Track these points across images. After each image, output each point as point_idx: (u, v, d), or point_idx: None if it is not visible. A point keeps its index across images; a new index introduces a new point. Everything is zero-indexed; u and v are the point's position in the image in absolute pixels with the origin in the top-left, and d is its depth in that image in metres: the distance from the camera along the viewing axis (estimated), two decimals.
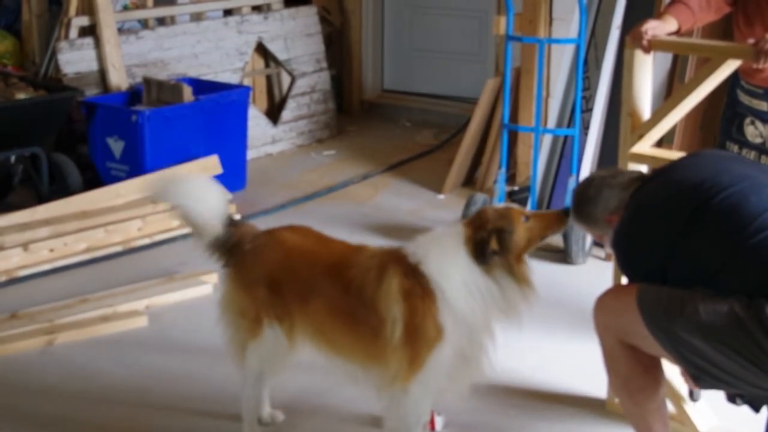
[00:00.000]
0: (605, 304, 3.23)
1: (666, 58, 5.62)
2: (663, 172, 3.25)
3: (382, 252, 3.46)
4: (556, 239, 5.62)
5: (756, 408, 3.09)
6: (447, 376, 3.36)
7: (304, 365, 4.20)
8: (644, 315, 3.01)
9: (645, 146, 3.76)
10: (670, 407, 3.47)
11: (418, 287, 3.28)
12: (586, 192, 3.32)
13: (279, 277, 3.51)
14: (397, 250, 3.43)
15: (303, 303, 3.48)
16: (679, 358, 3.00)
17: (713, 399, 3.54)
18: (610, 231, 3.23)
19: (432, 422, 3.78)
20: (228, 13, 7.58)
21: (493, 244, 3.28)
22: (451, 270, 3.29)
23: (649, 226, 3.09)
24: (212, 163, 6.25)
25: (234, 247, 3.59)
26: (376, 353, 3.35)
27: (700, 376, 2.98)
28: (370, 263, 3.38)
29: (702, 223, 2.96)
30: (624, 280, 3.77)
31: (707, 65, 3.61)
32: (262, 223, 6.00)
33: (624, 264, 3.19)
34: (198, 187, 3.62)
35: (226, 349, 3.69)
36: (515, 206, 3.45)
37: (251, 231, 3.67)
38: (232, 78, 7.31)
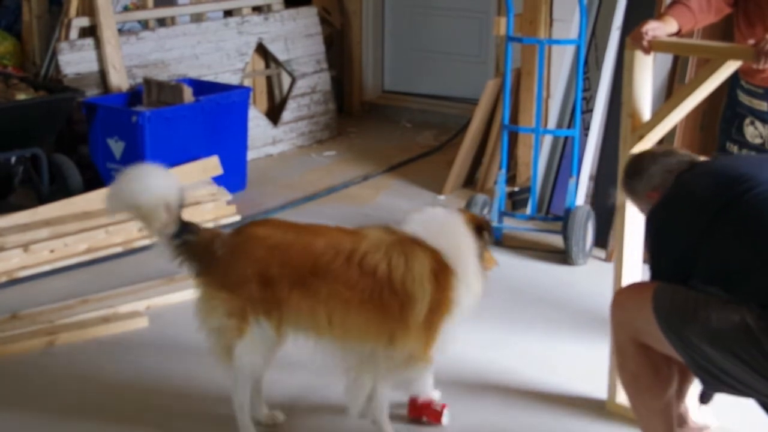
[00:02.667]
0: (621, 301, 3.24)
1: (666, 59, 5.62)
2: (710, 161, 3.28)
3: (391, 234, 3.59)
4: (556, 240, 5.63)
5: None
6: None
7: (303, 366, 4.21)
8: (658, 316, 3.00)
9: (645, 147, 3.76)
10: None
11: (441, 265, 3.50)
12: (635, 165, 3.41)
13: (270, 272, 3.50)
14: (401, 231, 3.60)
15: (303, 294, 3.50)
16: (690, 362, 3.00)
17: (714, 399, 3.53)
18: (649, 207, 3.27)
19: (439, 415, 3.80)
20: (228, 14, 7.58)
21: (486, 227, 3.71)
22: (463, 248, 3.57)
23: (681, 213, 3.09)
24: (213, 164, 6.25)
25: (205, 252, 3.57)
26: (399, 331, 3.49)
27: (709, 380, 2.98)
28: (390, 247, 3.52)
29: (731, 218, 2.95)
30: (623, 281, 3.79)
31: (707, 66, 3.60)
32: None
33: (652, 245, 3.18)
34: (136, 179, 3.53)
35: (212, 354, 3.66)
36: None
37: (218, 234, 3.66)
38: (232, 79, 7.31)
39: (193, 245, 3.57)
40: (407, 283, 3.46)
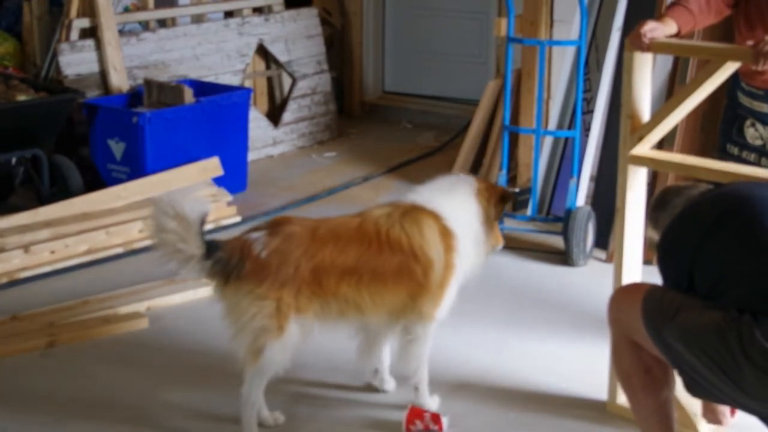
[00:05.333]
0: (617, 299, 3.26)
1: (666, 61, 5.62)
2: (720, 185, 3.30)
3: (396, 207, 3.82)
4: (557, 241, 5.63)
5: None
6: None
7: (302, 367, 4.21)
8: (644, 316, 3.03)
9: (645, 148, 3.76)
10: None
11: (443, 228, 3.76)
12: (661, 198, 3.44)
13: (317, 265, 3.62)
14: (403, 202, 3.85)
15: (348, 280, 3.65)
16: (671, 363, 3.03)
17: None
18: None
19: (440, 423, 3.79)
20: (229, 14, 7.58)
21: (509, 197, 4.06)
22: (462, 213, 3.83)
23: (682, 229, 3.10)
24: (213, 165, 6.25)
25: (242, 259, 3.60)
26: (422, 294, 3.74)
27: (691, 384, 2.99)
28: (402, 218, 3.75)
29: (720, 231, 2.96)
30: (623, 282, 3.79)
31: (707, 67, 3.61)
32: None
33: (659, 266, 3.18)
34: (170, 207, 3.56)
35: (241, 353, 3.66)
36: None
37: (246, 239, 3.67)
38: (232, 80, 7.31)
39: (224, 259, 3.60)
40: (425, 249, 3.71)
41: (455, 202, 3.84)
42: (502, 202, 3.95)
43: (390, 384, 4.10)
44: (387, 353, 4.05)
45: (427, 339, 3.84)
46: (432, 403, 3.91)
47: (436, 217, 3.77)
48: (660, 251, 3.17)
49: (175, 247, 3.57)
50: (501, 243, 4.02)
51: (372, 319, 3.78)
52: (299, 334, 3.66)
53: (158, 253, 3.64)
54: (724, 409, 3.54)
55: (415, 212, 3.77)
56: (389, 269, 3.68)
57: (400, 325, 3.81)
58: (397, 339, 3.88)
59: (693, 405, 3.71)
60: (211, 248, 3.59)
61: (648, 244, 3.75)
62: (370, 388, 4.09)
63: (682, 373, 3.00)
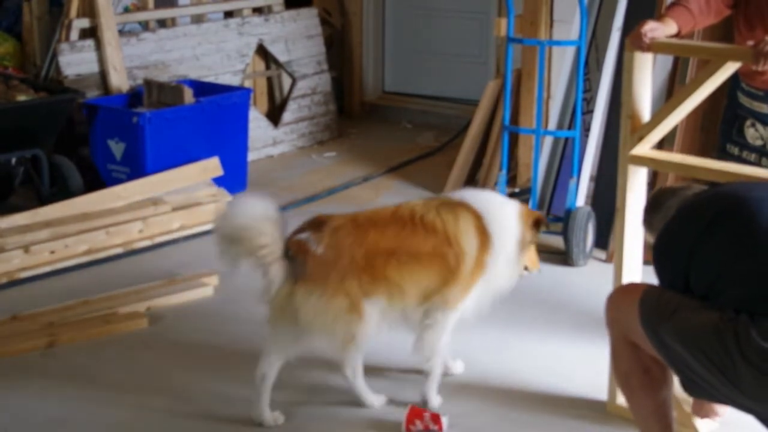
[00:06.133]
0: (614, 299, 3.26)
1: (667, 61, 5.62)
2: (720, 185, 3.30)
3: (436, 199, 4.03)
4: (556, 241, 5.63)
5: None
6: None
7: (302, 367, 4.21)
8: (640, 315, 3.03)
9: (645, 148, 3.76)
10: None
11: (482, 227, 3.88)
12: (655, 199, 3.44)
13: (367, 253, 3.74)
14: (446, 196, 4.08)
15: (394, 265, 3.77)
16: (668, 363, 3.03)
17: None
18: None
19: (440, 423, 3.79)
20: (229, 15, 7.59)
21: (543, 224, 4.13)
22: (505, 226, 3.94)
23: (678, 230, 3.10)
24: (213, 165, 6.25)
25: (303, 260, 3.67)
26: (451, 280, 3.83)
27: (688, 384, 3.00)
28: (439, 207, 3.89)
29: (716, 231, 2.96)
30: (623, 282, 3.79)
31: (706, 67, 3.61)
32: None
33: (655, 267, 3.18)
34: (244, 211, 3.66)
35: (334, 349, 3.77)
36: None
37: (299, 240, 3.73)
38: (232, 80, 7.31)
39: (292, 259, 3.68)
40: (459, 237, 3.83)
41: (498, 211, 3.96)
42: (535, 227, 4.04)
43: (457, 366, 4.26)
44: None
45: (444, 327, 3.92)
46: (436, 400, 3.95)
47: (476, 214, 3.88)
48: (656, 252, 3.17)
49: (260, 248, 3.61)
50: (537, 267, 4.24)
51: (409, 302, 3.85)
52: (376, 313, 3.78)
53: (236, 255, 3.65)
54: (715, 405, 3.56)
55: (453, 204, 3.92)
56: (424, 250, 3.79)
57: (423, 309, 3.88)
58: (416, 325, 3.93)
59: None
60: (285, 249, 3.68)
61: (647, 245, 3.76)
62: (369, 389, 4.09)
63: (679, 373, 3.01)
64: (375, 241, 3.76)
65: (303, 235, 3.73)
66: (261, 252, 3.60)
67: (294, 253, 3.67)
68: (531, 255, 4.16)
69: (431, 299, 3.85)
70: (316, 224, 3.78)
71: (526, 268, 4.19)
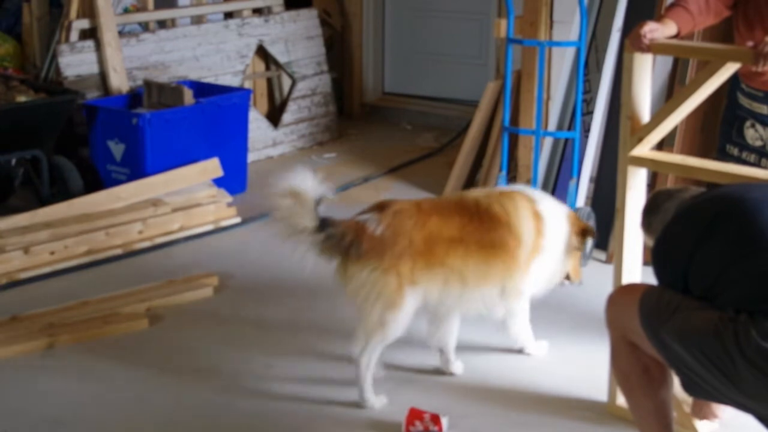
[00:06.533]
0: (614, 299, 3.27)
1: (666, 62, 5.62)
2: (719, 186, 3.30)
3: (495, 189, 4.35)
4: None
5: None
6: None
7: (302, 367, 4.21)
8: (640, 315, 3.04)
9: (644, 149, 3.76)
10: None
11: (538, 215, 4.11)
12: (652, 202, 3.46)
13: (429, 237, 3.88)
14: (505, 187, 4.57)
15: (456, 249, 3.91)
16: (668, 363, 3.03)
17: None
18: None
19: (440, 424, 3.79)
20: (229, 15, 7.59)
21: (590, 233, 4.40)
22: (557, 224, 4.17)
23: (677, 232, 3.10)
24: (213, 166, 6.26)
25: (358, 239, 3.83)
26: (512, 267, 4.04)
27: (688, 384, 3.00)
28: (500, 196, 4.10)
29: (716, 232, 2.96)
30: (623, 283, 3.79)
31: (706, 68, 3.60)
32: (263, 226, 6.03)
33: (654, 268, 3.19)
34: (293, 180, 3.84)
35: (366, 326, 3.87)
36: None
37: (360, 221, 3.90)
38: (232, 81, 7.31)
39: (336, 236, 3.82)
40: (519, 225, 4.03)
41: (553, 208, 4.21)
42: (582, 235, 4.27)
43: (456, 367, 4.26)
44: (454, 335, 4.22)
45: (522, 311, 4.25)
46: (540, 349, 4.39)
47: (532, 202, 4.12)
48: (655, 254, 3.17)
49: (290, 218, 3.80)
50: (579, 279, 4.44)
51: (469, 290, 3.99)
52: (414, 305, 3.91)
53: (278, 223, 3.85)
54: (714, 406, 3.56)
55: (513, 194, 4.15)
56: (490, 241, 3.96)
57: (496, 301, 4.10)
58: (494, 313, 4.19)
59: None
60: (324, 224, 3.81)
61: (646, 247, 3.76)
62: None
63: (679, 373, 3.01)
64: (438, 227, 3.90)
65: (363, 217, 3.91)
66: (291, 221, 3.80)
67: (344, 232, 3.83)
68: (575, 264, 4.35)
69: (497, 289, 4.05)
70: (379, 207, 3.96)
71: (567, 277, 4.37)
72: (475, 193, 4.20)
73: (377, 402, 3.98)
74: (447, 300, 4.00)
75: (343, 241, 3.82)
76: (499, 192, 4.19)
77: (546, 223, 4.12)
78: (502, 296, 4.11)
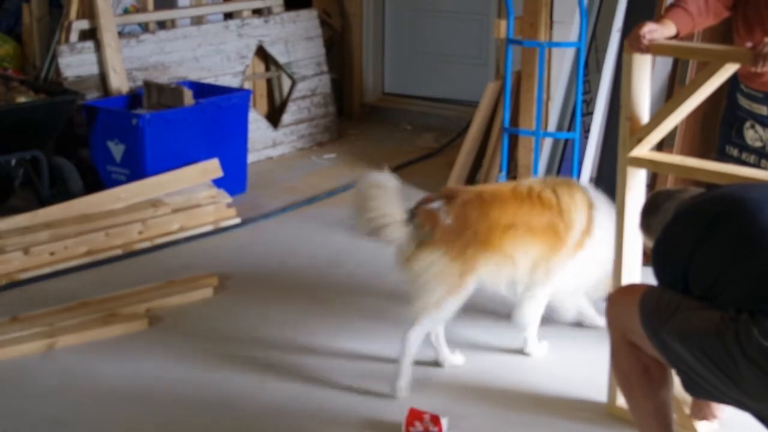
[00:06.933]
0: (614, 300, 3.27)
1: (666, 62, 5.62)
2: (719, 187, 3.30)
3: (554, 178, 4.69)
4: None
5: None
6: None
7: (302, 367, 4.21)
8: (641, 316, 3.04)
9: (644, 150, 3.77)
10: None
11: (591, 207, 4.31)
12: (651, 202, 3.47)
13: (492, 224, 4.09)
14: (570, 179, 4.74)
15: (515, 234, 4.13)
16: (669, 363, 3.04)
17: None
18: None
19: (440, 425, 3.79)
20: (228, 16, 7.59)
21: None
22: (607, 221, 4.20)
23: (677, 232, 3.10)
24: (213, 167, 6.26)
25: (432, 226, 4.03)
26: (555, 251, 4.22)
27: (689, 384, 3.00)
28: (555, 185, 4.29)
29: (715, 232, 2.97)
30: (622, 284, 3.79)
31: (705, 69, 3.60)
32: (263, 228, 6.04)
33: (654, 269, 3.19)
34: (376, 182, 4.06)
35: (423, 306, 4.03)
36: None
37: (431, 209, 4.08)
38: (232, 81, 7.31)
39: (419, 225, 4.03)
40: (571, 209, 4.23)
41: (604, 205, 4.34)
42: None
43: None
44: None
45: (541, 301, 4.37)
46: (540, 350, 4.42)
47: (587, 197, 4.31)
48: (655, 254, 3.17)
49: (382, 214, 3.99)
50: (603, 293, 4.44)
51: (517, 274, 4.20)
52: (471, 290, 4.12)
53: (366, 221, 4.02)
54: (714, 407, 3.56)
55: (567, 182, 4.42)
56: (539, 224, 4.17)
57: (527, 282, 4.27)
58: (518, 293, 4.35)
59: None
60: (410, 215, 4.04)
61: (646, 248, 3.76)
62: (369, 391, 4.09)
63: (680, 373, 3.01)
64: (497, 216, 4.11)
65: (434, 205, 4.10)
66: (380, 217, 3.98)
67: (423, 220, 4.04)
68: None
69: (536, 271, 4.22)
70: (447, 196, 4.15)
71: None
72: (531, 181, 4.39)
73: (457, 359, 4.32)
74: (496, 283, 4.22)
75: (422, 230, 4.03)
76: (554, 180, 4.43)
77: (599, 213, 4.29)
78: (538, 277, 4.26)
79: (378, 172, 4.08)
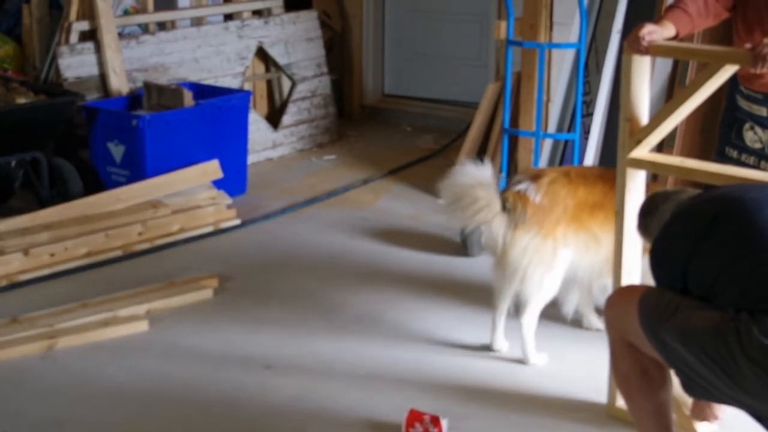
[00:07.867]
0: (613, 301, 3.27)
1: (666, 63, 5.63)
2: (717, 188, 3.31)
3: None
4: None
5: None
6: None
7: (302, 367, 4.21)
8: (640, 316, 3.04)
9: (644, 151, 3.77)
10: None
11: None
12: (649, 204, 3.46)
13: (576, 202, 4.20)
14: None
15: (594, 212, 4.21)
16: (669, 364, 3.04)
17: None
18: None
19: (440, 426, 3.79)
20: (228, 17, 7.59)
21: None
22: None
23: (675, 233, 3.10)
24: (213, 168, 6.26)
25: (522, 208, 4.16)
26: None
27: (689, 384, 3.00)
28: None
29: (715, 232, 2.97)
30: (622, 285, 3.79)
31: (705, 70, 3.60)
32: (263, 229, 6.04)
33: (653, 269, 3.19)
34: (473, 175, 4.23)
35: (527, 289, 4.23)
36: None
37: (519, 191, 4.20)
38: (232, 82, 7.31)
39: (511, 210, 4.17)
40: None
41: None
42: None
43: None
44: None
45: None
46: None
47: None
48: (654, 255, 3.17)
49: (485, 208, 4.14)
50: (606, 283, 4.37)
51: (600, 256, 4.24)
52: (565, 267, 4.24)
53: (465, 214, 4.19)
54: (714, 407, 3.56)
55: None
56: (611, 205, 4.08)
57: (604, 269, 4.27)
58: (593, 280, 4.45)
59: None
60: (503, 202, 4.19)
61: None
62: (369, 391, 4.08)
63: (679, 373, 3.01)
64: (584, 194, 4.20)
65: (522, 186, 4.22)
66: (482, 209, 4.13)
67: (513, 202, 4.17)
68: None
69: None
70: (534, 176, 4.27)
71: None
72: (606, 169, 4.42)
73: (540, 359, 4.34)
74: (582, 263, 4.28)
75: (515, 212, 4.15)
76: None
77: None
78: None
79: (473, 165, 4.22)
